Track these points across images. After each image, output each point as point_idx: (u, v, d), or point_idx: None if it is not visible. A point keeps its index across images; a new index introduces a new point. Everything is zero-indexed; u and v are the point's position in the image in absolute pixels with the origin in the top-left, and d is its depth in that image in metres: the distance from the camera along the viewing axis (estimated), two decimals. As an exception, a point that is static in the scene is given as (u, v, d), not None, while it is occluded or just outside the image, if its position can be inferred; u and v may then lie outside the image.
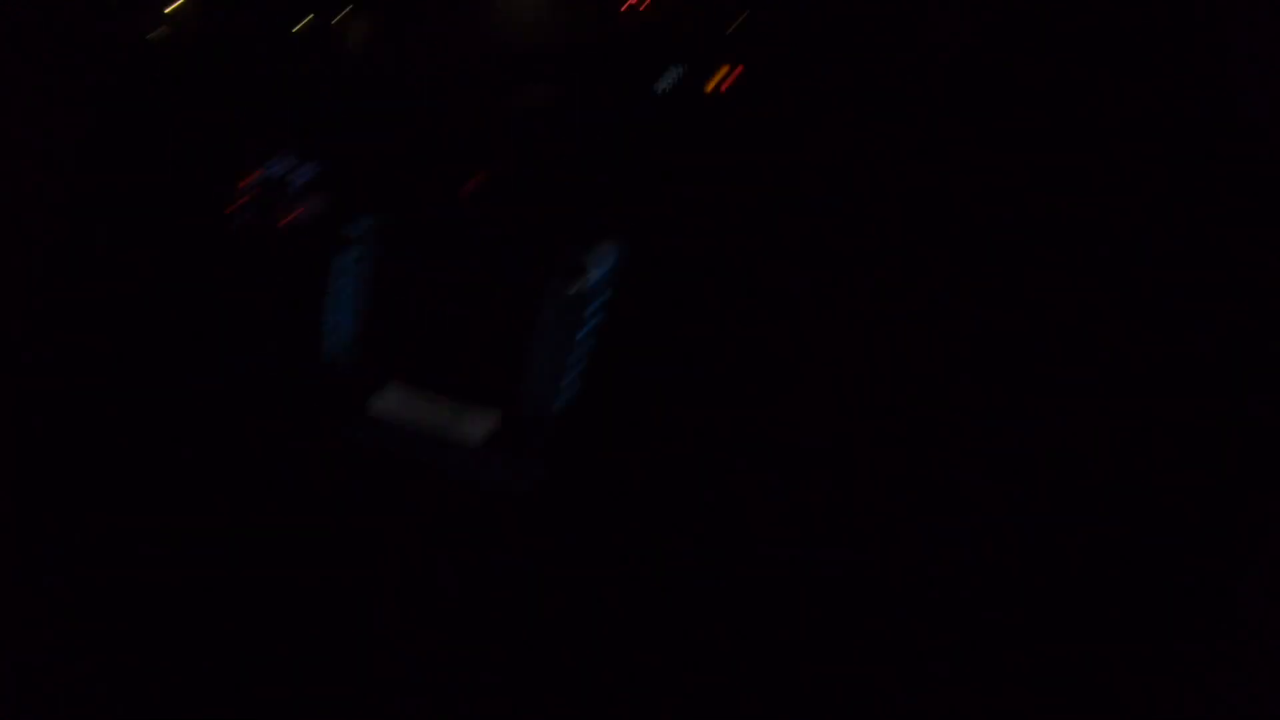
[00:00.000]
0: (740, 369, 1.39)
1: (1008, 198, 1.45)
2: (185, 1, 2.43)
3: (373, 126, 1.88)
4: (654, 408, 1.41)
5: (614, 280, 1.41)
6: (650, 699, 1.30)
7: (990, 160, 1.48)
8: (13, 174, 2.10)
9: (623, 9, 1.86)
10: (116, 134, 2.24)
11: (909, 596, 1.30)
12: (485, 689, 1.37)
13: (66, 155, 2.20)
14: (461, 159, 1.63)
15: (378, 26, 2.20)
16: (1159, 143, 1.55)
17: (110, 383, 1.92)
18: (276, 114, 2.14)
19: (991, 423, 1.36)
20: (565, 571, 1.42)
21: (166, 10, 2.35)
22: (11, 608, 1.70)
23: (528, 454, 1.46)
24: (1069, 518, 1.34)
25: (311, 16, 2.32)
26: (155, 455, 1.85)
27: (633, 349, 1.42)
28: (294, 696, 1.41)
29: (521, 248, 1.48)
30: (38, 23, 2.13)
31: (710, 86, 1.72)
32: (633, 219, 1.44)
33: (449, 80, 1.85)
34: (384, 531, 1.63)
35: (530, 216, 1.51)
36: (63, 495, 1.76)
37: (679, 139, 1.60)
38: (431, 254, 1.56)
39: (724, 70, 1.69)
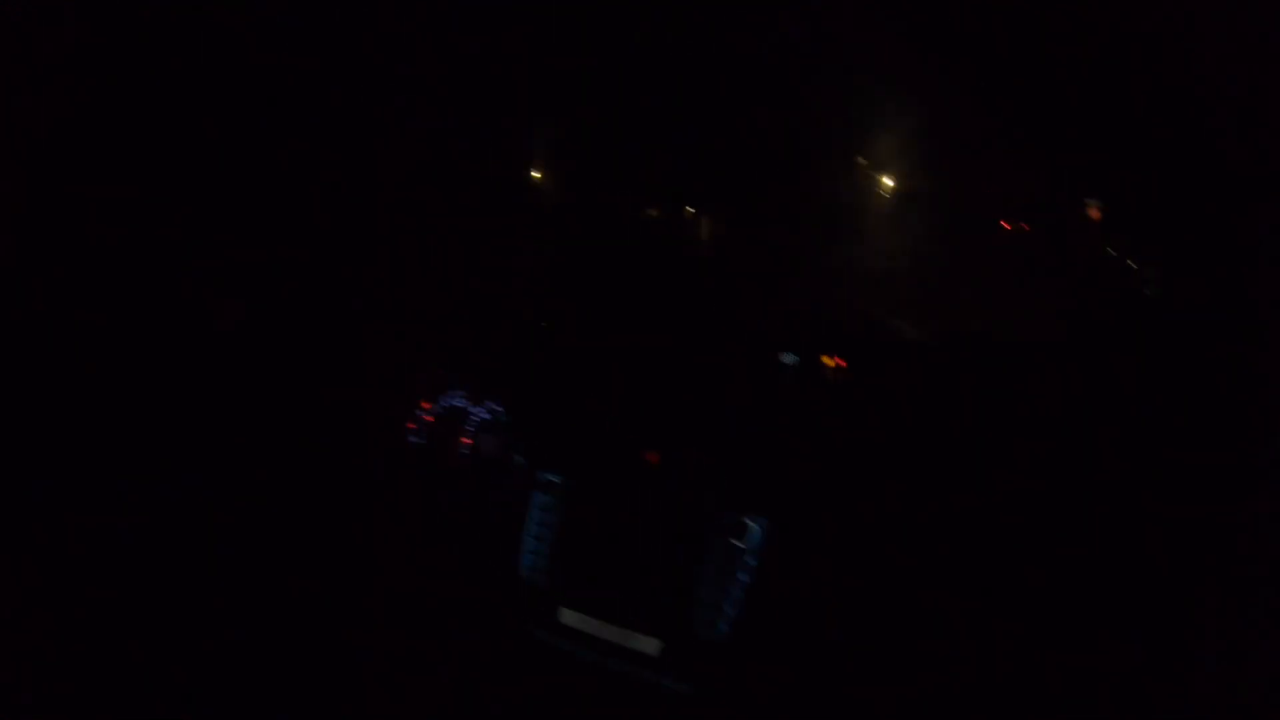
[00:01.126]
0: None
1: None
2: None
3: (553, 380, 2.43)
4: (802, 641, 1.90)
5: (765, 541, 1.92)
6: None
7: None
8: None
9: None
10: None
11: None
12: None
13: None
14: (643, 426, 2.16)
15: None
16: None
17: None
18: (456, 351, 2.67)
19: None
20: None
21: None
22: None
23: (693, 670, 1.95)
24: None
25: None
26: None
27: (782, 601, 1.92)
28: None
29: (693, 511, 2.00)
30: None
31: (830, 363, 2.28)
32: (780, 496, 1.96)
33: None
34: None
35: (700, 489, 2.03)
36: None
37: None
38: (618, 506, 2.08)
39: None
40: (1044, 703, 1.73)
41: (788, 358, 2.31)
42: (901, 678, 1.85)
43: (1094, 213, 2.33)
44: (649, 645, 2.00)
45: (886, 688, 1.85)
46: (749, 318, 2.45)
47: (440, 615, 2.25)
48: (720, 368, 2.31)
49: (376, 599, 2.35)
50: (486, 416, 2.47)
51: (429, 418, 2.55)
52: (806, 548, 1.93)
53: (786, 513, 1.93)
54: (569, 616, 2.09)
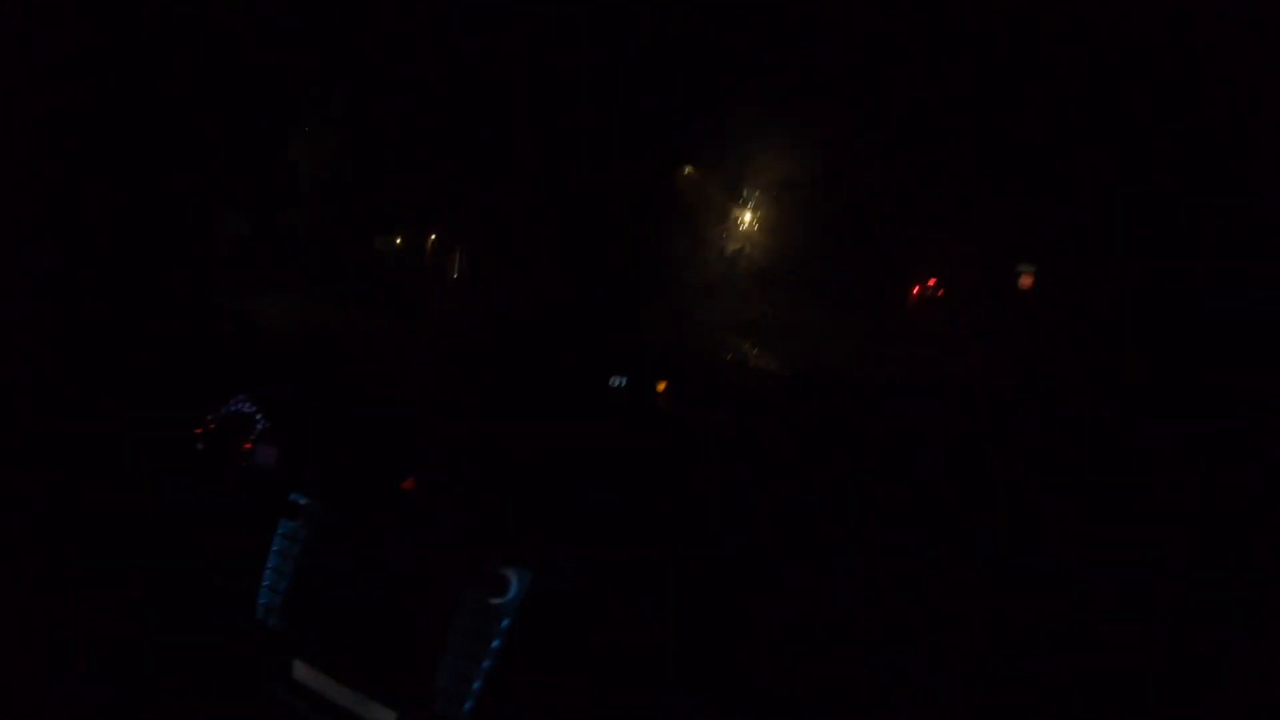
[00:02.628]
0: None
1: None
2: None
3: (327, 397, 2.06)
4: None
5: (525, 598, 1.53)
6: None
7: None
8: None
9: None
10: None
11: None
12: None
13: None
14: (404, 454, 1.78)
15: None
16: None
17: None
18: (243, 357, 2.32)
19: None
20: None
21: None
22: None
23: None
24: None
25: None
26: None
27: (541, 663, 1.53)
28: None
29: (448, 553, 1.61)
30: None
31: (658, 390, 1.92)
32: (546, 542, 1.58)
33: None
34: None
35: (457, 525, 1.65)
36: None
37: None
38: (361, 543, 1.70)
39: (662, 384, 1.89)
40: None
41: (615, 380, 1.94)
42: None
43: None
44: (384, 716, 1.60)
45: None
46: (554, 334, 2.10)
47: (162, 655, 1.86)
48: (511, 387, 1.94)
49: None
50: (265, 425, 2.10)
51: (211, 423, 2.19)
52: (577, 611, 1.54)
53: (556, 566, 1.54)
54: (302, 671, 1.70)
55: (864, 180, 2.33)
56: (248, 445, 2.12)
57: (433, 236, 2.77)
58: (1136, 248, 1.95)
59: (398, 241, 2.80)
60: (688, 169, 2.41)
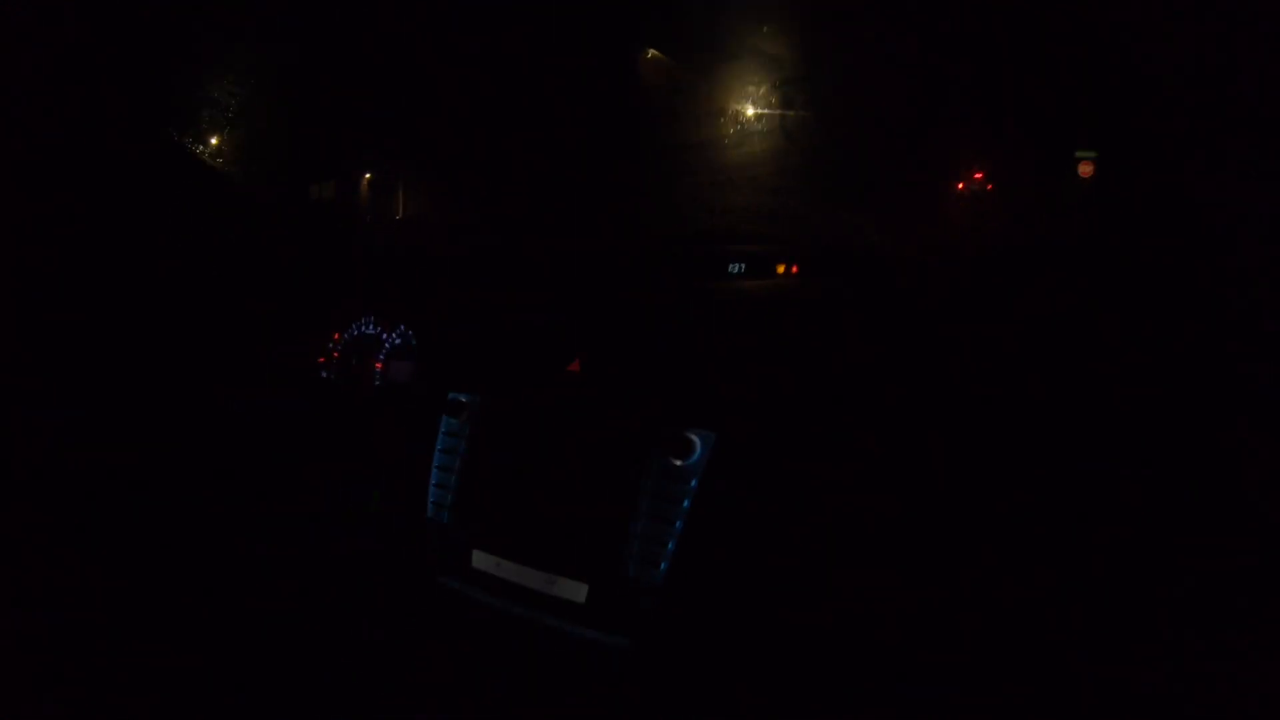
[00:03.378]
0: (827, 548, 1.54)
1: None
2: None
3: (469, 300, 2.08)
4: (746, 585, 1.55)
5: (711, 459, 1.57)
6: None
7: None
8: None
9: None
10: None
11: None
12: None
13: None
14: (560, 340, 1.81)
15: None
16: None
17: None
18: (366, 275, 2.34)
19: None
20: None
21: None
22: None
23: (624, 620, 1.59)
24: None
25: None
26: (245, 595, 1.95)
27: (728, 528, 1.56)
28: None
29: (628, 424, 1.64)
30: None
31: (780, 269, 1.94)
32: (725, 403, 1.61)
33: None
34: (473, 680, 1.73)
35: (632, 397, 1.68)
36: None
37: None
38: (536, 426, 1.73)
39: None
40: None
41: (733, 266, 1.97)
42: (856, 629, 1.50)
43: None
44: (575, 591, 1.64)
45: (841, 642, 1.49)
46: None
47: (340, 564, 1.90)
48: (652, 266, 1.97)
49: (283, 548, 1.99)
50: (398, 342, 2.12)
51: (336, 353, 2.21)
52: (761, 470, 1.57)
53: (738, 426, 1.57)
54: (481, 560, 1.74)
55: (887, 66, 2.29)
56: (379, 365, 2.15)
57: (367, 177, 2.74)
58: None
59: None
60: (650, 52, 2.33)
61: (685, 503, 1.57)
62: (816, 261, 2.02)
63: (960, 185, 2.49)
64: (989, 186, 2.47)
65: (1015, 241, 2.18)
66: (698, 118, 2.24)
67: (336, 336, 2.22)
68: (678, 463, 1.57)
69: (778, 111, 2.21)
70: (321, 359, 2.24)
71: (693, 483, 1.57)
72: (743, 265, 2.02)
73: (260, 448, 2.14)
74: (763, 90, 2.23)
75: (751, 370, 1.70)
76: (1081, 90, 2.21)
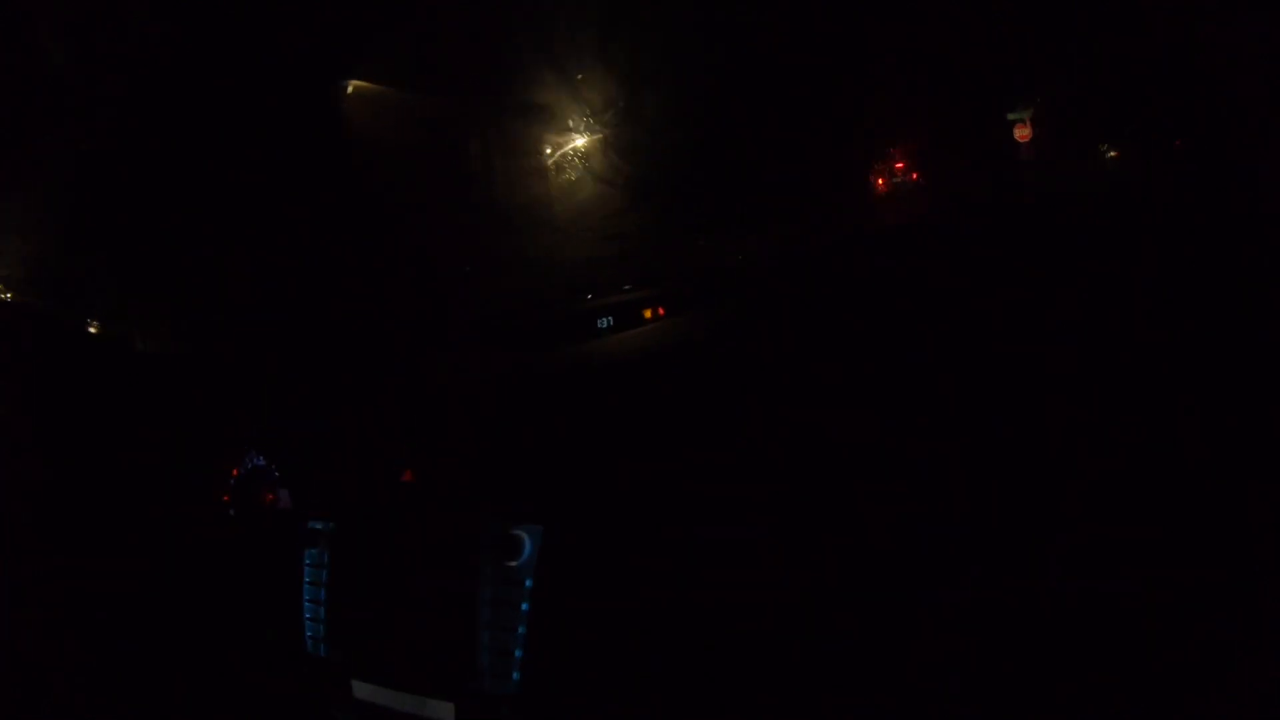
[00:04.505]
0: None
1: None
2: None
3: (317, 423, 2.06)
4: (604, 679, 1.46)
5: (543, 556, 1.49)
6: None
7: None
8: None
9: None
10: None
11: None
12: None
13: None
14: (395, 453, 1.76)
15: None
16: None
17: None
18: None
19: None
20: None
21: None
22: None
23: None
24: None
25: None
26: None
27: (570, 619, 1.48)
28: None
29: (458, 530, 1.58)
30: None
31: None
32: (553, 500, 1.54)
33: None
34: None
35: (462, 502, 1.62)
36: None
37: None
38: (380, 547, 1.68)
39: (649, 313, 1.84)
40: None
41: (602, 321, 1.90)
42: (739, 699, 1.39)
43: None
44: (444, 712, 1.58)
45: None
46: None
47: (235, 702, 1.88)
48: (465, 352, 1.91)
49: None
50: (276, 474, 2.12)
51: (235, 487, 2.22)
52: (593, 556, 1.49)
53: (562, 518, 1.50)
54: (360, 689, 1.69)
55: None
56: (270, 496, 2.14)
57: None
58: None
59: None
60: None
61: (524, 605, 1.49)
62: (685, 298, 1.94)
63: (880, 182, 2.33)
64: (913, 176, 2.30)
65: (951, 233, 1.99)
66: (512, 170, 2.16)
67: (235, 473, 2.22)
68: (510, 564, 1.50)
69: (595, 139, 2.11)
70: (225, 496, 2.25)
71: (527, 583, 1.49)
72: (610, 318, 1.95)
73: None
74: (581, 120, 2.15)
75: (588, 446, 1.62)
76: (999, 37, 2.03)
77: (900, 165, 2.27)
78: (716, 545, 1.47)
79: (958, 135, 2.19)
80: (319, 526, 1.77)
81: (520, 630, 1.50)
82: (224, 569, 2.16)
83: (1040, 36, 1.95)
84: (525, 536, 1.50)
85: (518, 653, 1.50)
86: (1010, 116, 2.05)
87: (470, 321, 2.02)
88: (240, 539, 2.20)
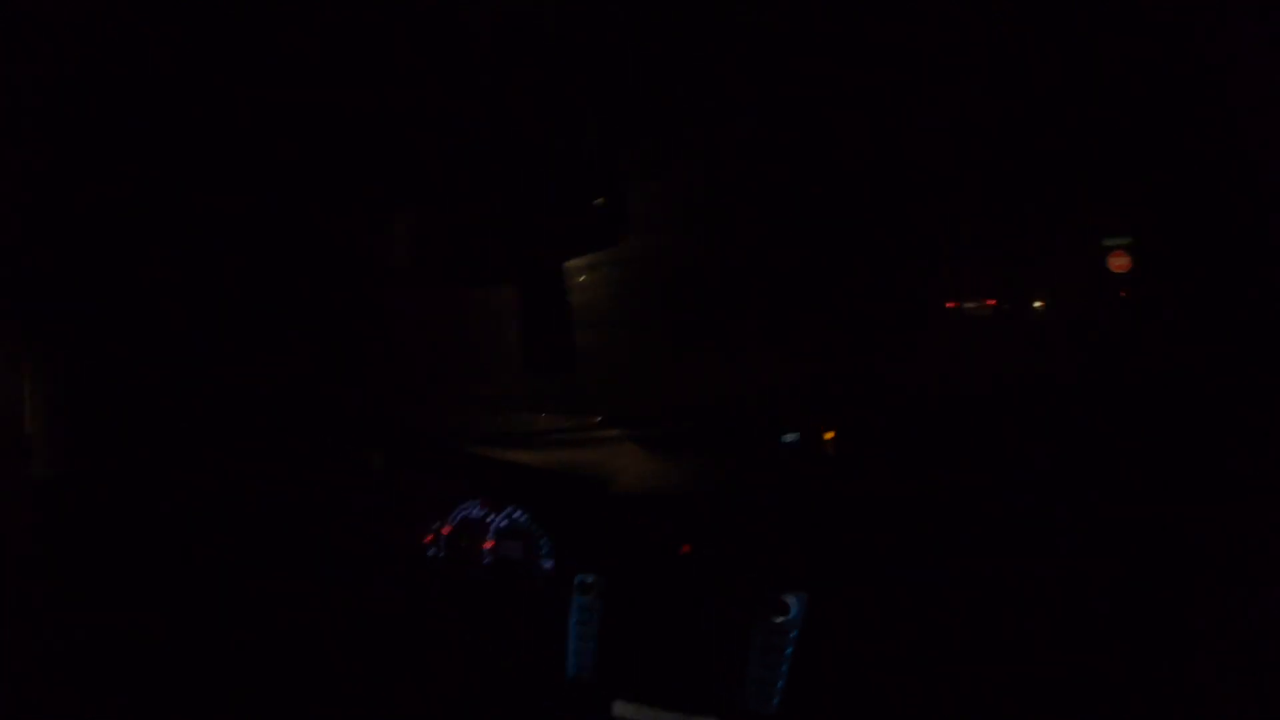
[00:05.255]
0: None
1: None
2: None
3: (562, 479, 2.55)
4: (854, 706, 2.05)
5: (806, 615, 2.09)
6: None
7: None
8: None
9: None
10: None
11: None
12: None
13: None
14: (665, 525, 2.29)
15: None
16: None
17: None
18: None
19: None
20: None
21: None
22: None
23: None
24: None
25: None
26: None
27: (828, 663, 2.08)
28: None
29: (733, 594, 2.15)
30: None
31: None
32: (814, 570, 2.14)
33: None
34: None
35: (737, 570, 2.19)
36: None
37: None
38: (657, 599, 2.22)
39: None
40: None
41: (788, 437, 2.51)
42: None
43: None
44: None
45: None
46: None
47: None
48: (734, 457, 2.49)
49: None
50: (505, 523, 2.56)
51: (446, 529, 2.62)
52: (846, 615, 2.10)
53: (823, 585, 2.10)
54: (622, 708, 2.20)
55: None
56: (489, 544, 2.57)
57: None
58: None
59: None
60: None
61: (788, 650, 2.08)
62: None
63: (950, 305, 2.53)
64: (989, 302, 2.40)
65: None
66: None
67: (447, 530, 2.63)
68: (779, 619, 2.09)
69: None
70: (428, 538, 2.65)
71: (793, 634, 2.08)
72: (797, 435, 2.54)
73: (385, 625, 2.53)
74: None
75: (827, 534, 2.22)
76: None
77: (991, 302, 2.32)
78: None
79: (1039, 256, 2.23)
80: (589, 579, 2.27)
81: (783, 668, 2.08)
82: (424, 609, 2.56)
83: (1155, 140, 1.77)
84: (793, 601, 2.10)
85: (779, 684, 2.08)
86: (1107, 243, 1.93)
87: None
88: (444, 582, 2.60)
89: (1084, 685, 1.68)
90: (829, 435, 2.45)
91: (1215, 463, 1.73)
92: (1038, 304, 2.44)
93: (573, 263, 2.24)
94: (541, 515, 2.48)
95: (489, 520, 2.60)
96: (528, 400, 2.91)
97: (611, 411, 2.67)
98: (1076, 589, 1.81)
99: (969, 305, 2.53)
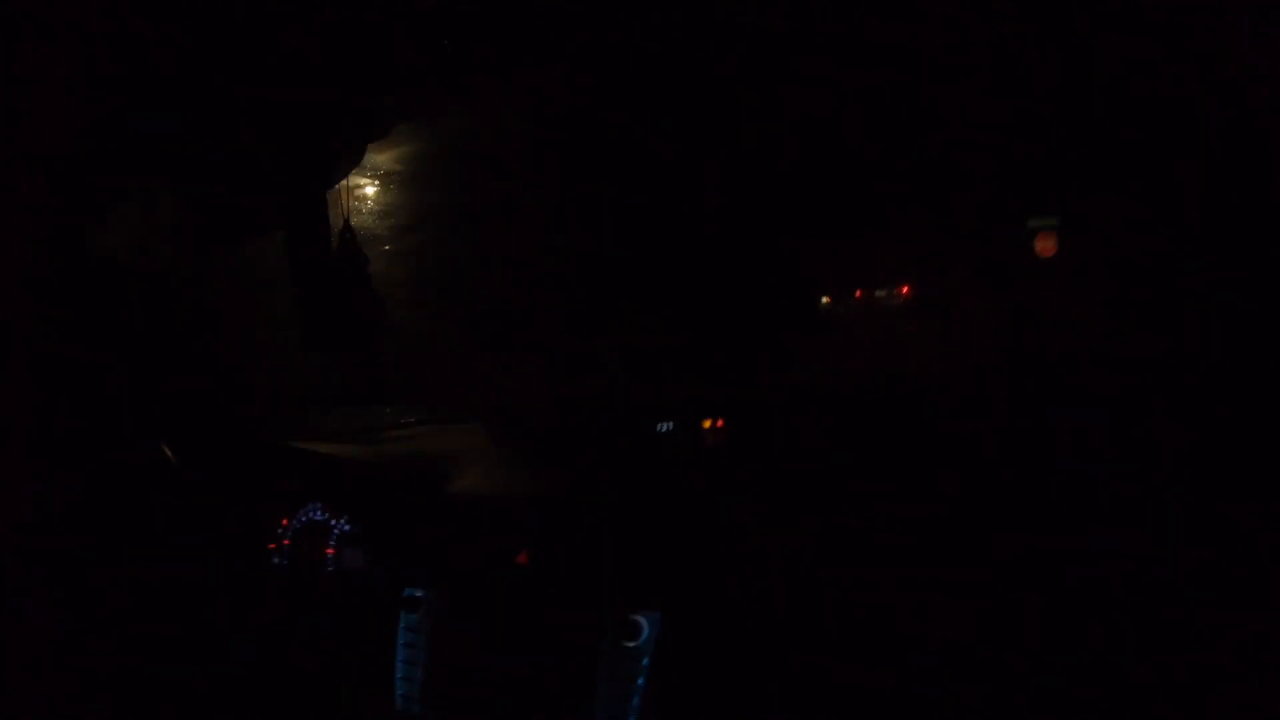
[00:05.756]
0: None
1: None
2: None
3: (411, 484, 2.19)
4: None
5: (659, 637, 1.72)
6: None
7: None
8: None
9: None
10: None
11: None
12: None
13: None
14: (502, 529, 1.93)
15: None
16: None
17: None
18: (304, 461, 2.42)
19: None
20: None
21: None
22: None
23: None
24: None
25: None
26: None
27: (683, 692, 1.71)
28: None
29: (577, 613, 1.78)
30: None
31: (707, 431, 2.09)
32: (669, 584, 1.77)
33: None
34: None
35: (579, 583, 1.82)
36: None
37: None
38: (491, 617, 1.86)
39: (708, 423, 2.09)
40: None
41: (662, 426, 2.13)
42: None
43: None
44: (548, 772, 1.77)
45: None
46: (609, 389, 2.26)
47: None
48: (580, 448, 2.12)
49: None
50: (346, 528, 2.22)
51: (287, 539, 2.29)
52: (707, 639, 1.73)
53: (681, 603, 1.73)
54: (453, 750, 1.85)
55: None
56: (330, 550, 2.23)
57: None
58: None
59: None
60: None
61: (640, 680, 1.71)
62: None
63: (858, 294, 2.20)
64: (903, 290, 2.13)
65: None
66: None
67: (285, 522, 2.29)
68: (629, 644, 1.72)
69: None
70: (272, 545, 2.31)
71: (644, 660, 1.71)
72: (670, 423, 2.17)
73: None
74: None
75: (687, 542, 1.86)
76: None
77: (904, 290, 2.13)
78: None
79: (960, 241, 1.95)
80: (418, 594, 1.91)
81: (635, 701, 1.71)
82: (266, 623, 2.22)
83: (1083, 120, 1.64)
84: (644, 621, 1.72)
85: (632, 718, 1.71)
86: (1032, 224, 1.72)
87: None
88: (288, 594, 2.27)
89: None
90: (707, 425, 2.07)
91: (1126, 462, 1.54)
92: (957, 292, 2.04)
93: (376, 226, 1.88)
94: (364, 519, 2.13)
95: (333, 524, 2.25)
96: (346, 391, 2.54)
97: (440, 404, 2.29)
98: (965, 606, 1.53)
99: (879, 294, 2.12)
